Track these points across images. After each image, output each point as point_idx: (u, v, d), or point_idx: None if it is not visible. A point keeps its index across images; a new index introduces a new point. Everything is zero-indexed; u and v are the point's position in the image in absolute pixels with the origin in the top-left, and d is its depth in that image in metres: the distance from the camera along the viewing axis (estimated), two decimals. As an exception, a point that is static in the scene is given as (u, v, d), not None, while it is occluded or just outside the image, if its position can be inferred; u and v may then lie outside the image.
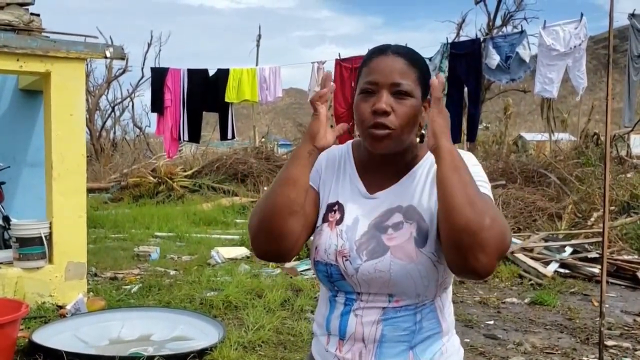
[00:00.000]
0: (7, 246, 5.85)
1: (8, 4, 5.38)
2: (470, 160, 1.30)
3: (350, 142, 1.46)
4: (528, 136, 26.69)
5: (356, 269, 1.28)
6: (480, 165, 1.34)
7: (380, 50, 1.32)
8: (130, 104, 25.26)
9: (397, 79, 1.27)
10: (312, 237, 1.39)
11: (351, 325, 1.30)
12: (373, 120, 1.27)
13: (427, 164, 1.34)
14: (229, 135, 8.79)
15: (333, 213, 1.36)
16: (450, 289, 1.38)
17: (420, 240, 1.26)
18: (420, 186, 1.32)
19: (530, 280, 6.08)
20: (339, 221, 1.34)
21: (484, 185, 1.26)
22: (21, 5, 5.49)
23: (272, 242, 1.29)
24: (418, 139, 1.35)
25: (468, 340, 4.38)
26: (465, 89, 7.14)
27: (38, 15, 5.67)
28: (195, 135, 8.79)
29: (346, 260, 1.29)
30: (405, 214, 1.29)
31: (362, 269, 1.27)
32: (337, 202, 1.37)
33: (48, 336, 3.97)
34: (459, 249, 1.13)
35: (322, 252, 1.33)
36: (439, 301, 1.32)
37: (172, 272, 6.31)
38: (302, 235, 1.32)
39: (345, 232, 1.32)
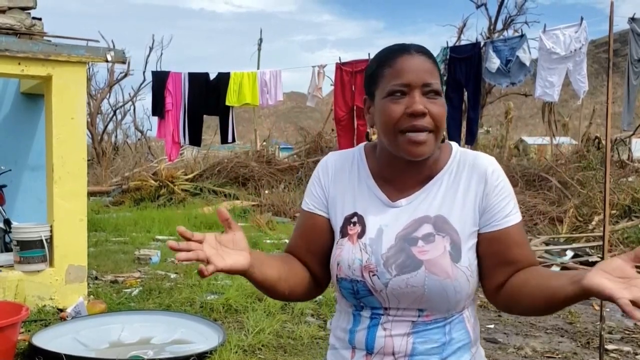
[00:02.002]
0: (7, 249, 5.86)
1: (10, 8, 5.40)
2: (500, 177, 1.27)
3: (362, 146, 1.38)
4: (529, 140, 26.74)
5: (385, 284, 1.22)
6: (506, 177, 1.30)
7: (402, 50, 1.25)
8: (132, 107, 25.31)
9: (428, 79, 1.21)
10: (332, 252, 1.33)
11: (380, 338, 1.24)
12: (409, 122, 1.20)
13: (452, 170, 1.28)
14: (230, 139, 8.80)
15: (352, 225, 1.29)
16: (476, 299, 1.34)
17: (455, 255, 1.21)
18: (450, 195, 1.26)
19: (531, 284, 6.07)
20: (361, 234, 1.27)
21: (518, 211, 1.26)
22: (23, 9, 5.51)
23: (302, 299, 1.39)
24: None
25: (468, 344, 4.37)
26: (465, 93, 7.15)
27: (40, 19, 5.68)
28: (196, 139, 8.81)
29: (373, 275, 1.22)
30: (436, 225, 1.23)
31: (392, 283, 1.21)
32: (356, 214, 1.29)
33: (48, 339, 3.96)
34: (529, 314, 1.32)
35: (346, 268, 1.25)
36: (467, 312, 1.28)
37: (173, 276, 6.31)
38: (319, 273, 1.36)
39: (370, 246, 1.25)
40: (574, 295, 1.06)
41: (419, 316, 1.23)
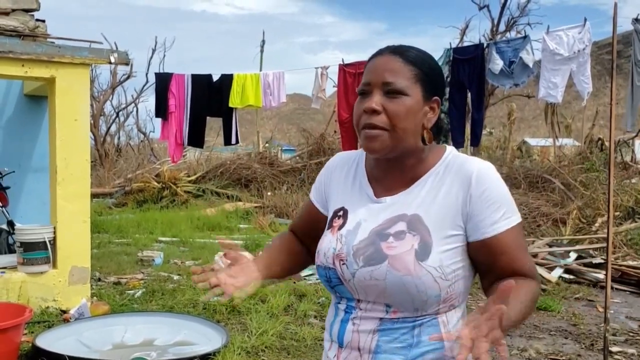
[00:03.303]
0: (11, 251, 5.87)
1: (14, 10, 5.40)
2: (487, 183, 1.24)
3: None
4: (532, 141, 26.70)
5: (352, 273, 1.26)
6: (504, 184, 1.27)
7: (379, 52, 1.31)
8: (135, 109, 25.35)
9: (388, 78, 1.24)
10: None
11: (348, 333, 1.28)
12: (365, 120, 1.25)
13: (440, 172, 1.29)
14: (233, 141, 8.79)
15: (337, 219, 1.36)
16: (464, 307, 1.32)
17: (422, 254, 1.21)
18: (431, 196, 1.26)
19: (534, 285, 6.05)
20: (341, 226, 1.33)
21: (512, 216, 1.24)
22: (27, 11, 5.52)
23: (297, 272, 1.60)
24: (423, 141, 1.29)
25: (472, 345, 4.36)
26: (469, 94, 7.13)
27: (43, 21, 5.69)
28: (199, 141, 8.80)
29: (343, 264, 1.28)
30: (410, 224, 1.24)
31: (358, 274, 1.25)
32: (342, 208, 1.36)
33: (51, 341, 3.97)
34: None
35: (322, 256, 1.33)
36: (444, 317, 1.26)
37: (176, 277, 6.31)
38: (313, 250, 1.42)
39: (345, 237, 1.30)
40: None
41: (386, 312, 1.25)
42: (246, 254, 1.39)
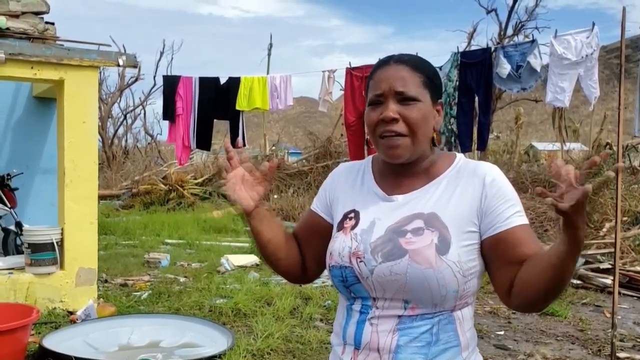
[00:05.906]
0: (19, 252, 5.90)
1: (23, 13, 5.45)
2: (500, 183, 1.29)
3: (371, 156, 1.49)
4: (539, 146, 26.61)
5: (371, 270, 1.27)
6: (510, 185, 1.32)
7: (384, 62, 1.35)
8: (142, 111, 25.47)
9: (400, 87, 1.29)
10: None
11: (366, 334, 1.28)
12: (382, 128, 1.29)
13: (452, 175, 1.33)
14: (240, 143, 8.80)
15: (348, 220, 1.37)
16: (473, 305, 1.35)
17: (442, 248, 1.24)
18: (446, 195, 1.31)
19: (541, 290, 6.02)
20: (354, 226, 1.35)
21: (524, 216, 1.28)
22: (36, 14, 5.56)
23: (282, 274, 1.53)
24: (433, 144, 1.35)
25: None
26: (476, 98, 7.11)
27: (52, 23, 5.73)
28: (206, 143, 8.82)
29: (360, 261, 1.28)
30: (427, 221, 1.27)
31: (378, 270, 1.26)
32: (353, 210, 1.38)
33: (58, 342, 3.99)
34: (541, 303, 1.25)
35: (337, 255, 1.33)
36: (459, 314, 1.29)
37: (182, 279, 6.32)
38: (311, 266, 1.49)
39: (360, 235, 1.32)
40: (562, 242, 1.12)
41: (404, 309, 1.26)
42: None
